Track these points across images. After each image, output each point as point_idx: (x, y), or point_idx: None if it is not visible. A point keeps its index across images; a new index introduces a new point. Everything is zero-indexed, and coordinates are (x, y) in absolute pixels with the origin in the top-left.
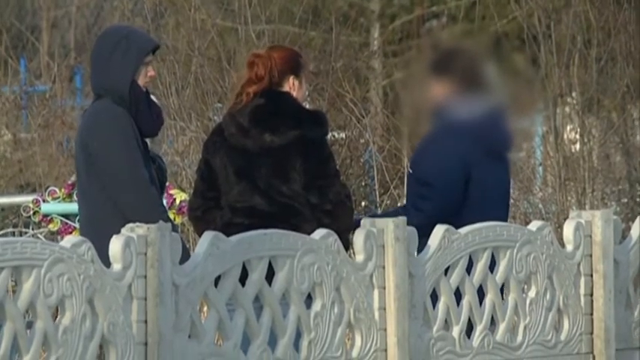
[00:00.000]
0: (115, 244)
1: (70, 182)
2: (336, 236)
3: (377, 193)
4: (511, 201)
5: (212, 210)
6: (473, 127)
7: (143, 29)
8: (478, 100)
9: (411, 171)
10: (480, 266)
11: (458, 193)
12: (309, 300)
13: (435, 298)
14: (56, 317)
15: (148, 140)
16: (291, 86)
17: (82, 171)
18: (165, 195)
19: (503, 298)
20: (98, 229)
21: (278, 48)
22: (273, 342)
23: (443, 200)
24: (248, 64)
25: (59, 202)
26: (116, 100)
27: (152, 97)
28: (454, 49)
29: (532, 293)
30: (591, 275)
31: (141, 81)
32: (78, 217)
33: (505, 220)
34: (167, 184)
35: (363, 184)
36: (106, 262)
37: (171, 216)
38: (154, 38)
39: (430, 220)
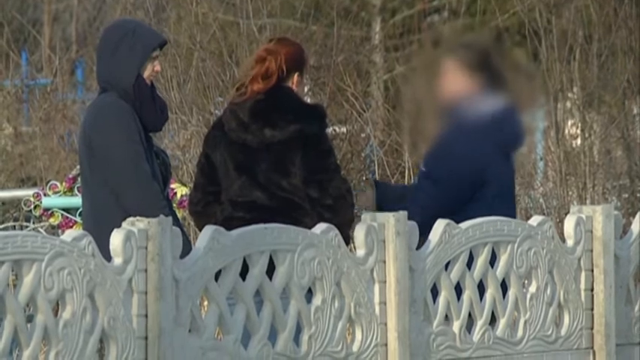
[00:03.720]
0: (116, 238)
1: (71, 176)
2: (336, 231)
3: None
4: None
5: (212, 204)
6: (491, 127)
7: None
8: (498, 97)
9: (423, 169)
10: (481, 261)
11: (462, 196)
12: (309, 294)
13: (435, 292)
14: (57, 311)
15: (151, 135)
16: (294, 82)
17: (85, 164)
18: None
19: (503, 293)
20: (100, 223)
21: (286, 43)
22: (273, 336)
23: (444, 199)
24: (258, 59)
25: (60, 196)
26: (121, 94)
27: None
28: (480, 44)
29: (532, 288)
30: (592, 270)
31: (146, 75)
32: (79, 211)
33: (514, 216)
34: None
35: (364, 178)
36: (109, 255)
37: None
38: (161, 34)
39: (423, 211)
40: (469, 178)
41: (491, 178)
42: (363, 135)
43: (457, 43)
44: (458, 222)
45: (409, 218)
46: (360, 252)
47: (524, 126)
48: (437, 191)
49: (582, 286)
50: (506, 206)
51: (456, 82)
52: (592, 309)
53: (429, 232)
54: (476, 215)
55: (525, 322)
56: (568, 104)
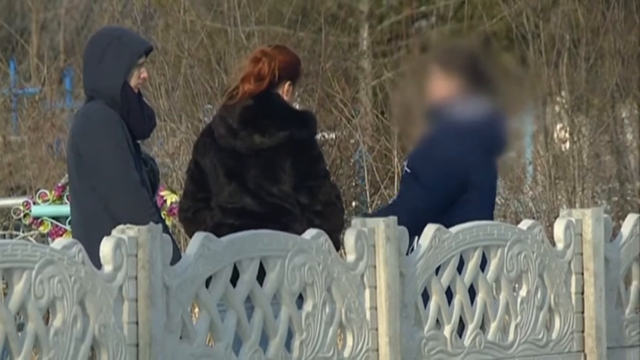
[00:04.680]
0: (106, 246)
1: (60, 184)
2: (326, 236)
3: (367, 193)
4: (502, 200)
5: (202, 211)
6: (477, 130)
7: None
8: (482, 102)
9: (408, 170)
10: (471, 265)
11: (448, 197)
12: (300, 300)
13: (426, 297)
14: (47, 319)
15: (139, 142)
16: (284, 91)
17: (74, 173)
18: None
19: (494, 297)
20: (89, 231)
21: (283, 50)
22: (264, 342)
23: (431, 200)
24: (253, 59)
25: (49, 204)
26: (108, 102)
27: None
28: (465, 48)
29: (523, 292)
30: (582, 273)
31: (133, 83)
32: (68, 220)
33: (492, 219)
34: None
35: (354, 184)
36: (99, 263)
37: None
38: (147, 40)
39: (410, 213)
40: (456, 179)
41: (476, 181)
42: (352, 141)
43: (443, 47)
44: (443, 224)
45: (396, 217)
46: (351, 257)
47: (509, 131)
48: (424, 192)
49: (573, 289)
50: (487, 211)
51: (441, 85)
52: (583, 312)
53: (415, 234)
54: (459, 218)
55: (516, 326)
56: (556, 108)
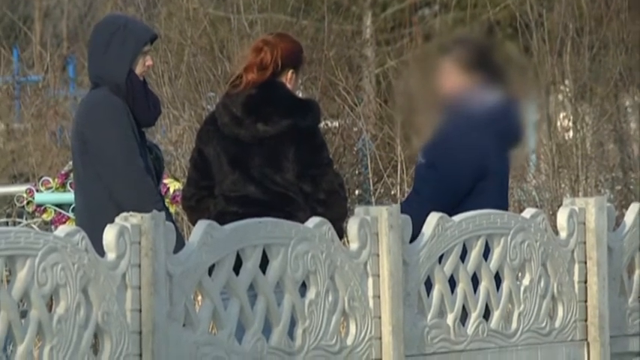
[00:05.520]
0: (109, 233)
1: (63, 172)
2: (330, 224)
3: (370, 181)
4: None
5: (206, 199)
6: (491, 121)
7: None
8: (497, 94)
9: (422, 160)
10: (474, 254)
11: (462, 185)
12: (303, 288)
13: (429, 285)
14: (51, 306)
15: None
16: (288, 79)
17: (78, 160)
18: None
19: (497, 286)
20: (93, 218)
21: (285, 38)
22: (267, 330)
23: (444, 186)
24: (255, 48)
25: (52, 191)
26: (113, 90)
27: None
28: (479, 43)
29: (526, 281)
30: (585, 262)
31: (138, 70)
32: (72, 207)
33: (506, 208)
34: None
35: (357, 172)
36: (102, 251)
37: None
38: (151, 28)
39: (426, 206)
40: (471, 167)
41: (492, 171)
42: (355, 129)
43: (453, 40)
44: (458, 213)
45: (413, 209)
46: (354, 245)
47: (523, 121)
48: (439, 178)
49: (576, 278)
50: (503, 199)
51: (453, 80)
52: (586, 301)
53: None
54: (476, 208)
55: (519, 315)
56: (560, 97)
